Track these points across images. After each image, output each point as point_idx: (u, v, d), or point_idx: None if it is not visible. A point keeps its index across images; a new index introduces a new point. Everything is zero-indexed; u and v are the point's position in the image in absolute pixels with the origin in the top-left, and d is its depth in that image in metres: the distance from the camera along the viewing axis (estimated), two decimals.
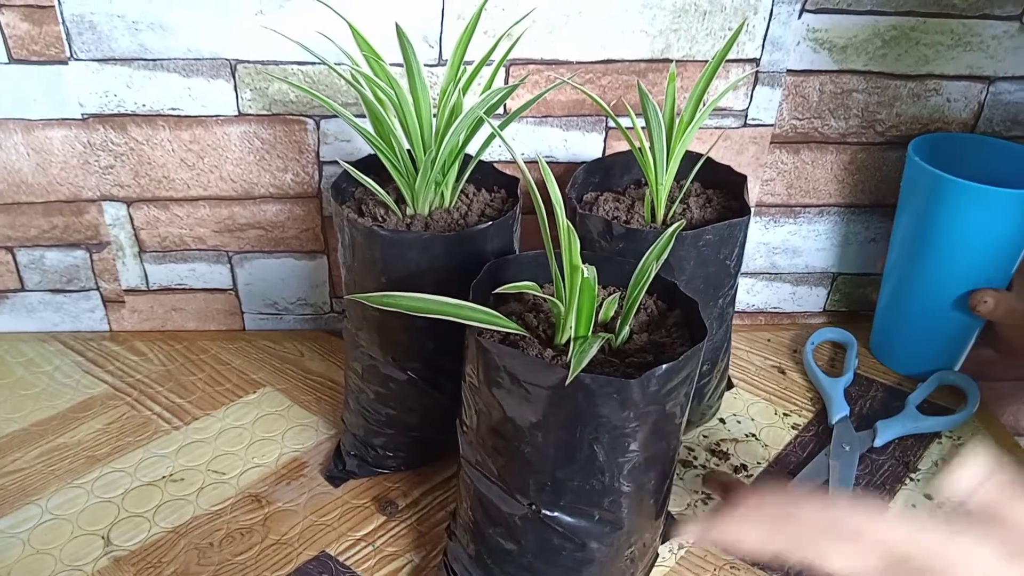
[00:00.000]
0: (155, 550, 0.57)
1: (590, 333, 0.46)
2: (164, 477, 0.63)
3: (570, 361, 0.43)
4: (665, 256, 0.47)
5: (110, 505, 0.60)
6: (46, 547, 0.57)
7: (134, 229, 0.74)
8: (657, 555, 0.57)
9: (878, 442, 0.69)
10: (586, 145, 0.74)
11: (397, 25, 0.50)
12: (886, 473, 0.66)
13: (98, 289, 0.77)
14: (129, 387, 0.72)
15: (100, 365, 0.75)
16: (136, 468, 0.64)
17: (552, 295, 0.46)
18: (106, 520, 0.59)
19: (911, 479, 0.66)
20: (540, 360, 0.45)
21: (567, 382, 0.41)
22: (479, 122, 0.55)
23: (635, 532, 0.49)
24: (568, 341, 0.46)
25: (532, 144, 0.73)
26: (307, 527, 0.59)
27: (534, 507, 0.47)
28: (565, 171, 0.73)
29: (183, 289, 0.78)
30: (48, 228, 0.74)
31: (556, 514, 0.46)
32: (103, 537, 0.58)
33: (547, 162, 0.74)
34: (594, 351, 0.43)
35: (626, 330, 0.48)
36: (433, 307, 0.45)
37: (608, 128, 0.73)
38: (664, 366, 0.42)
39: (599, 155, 0.74)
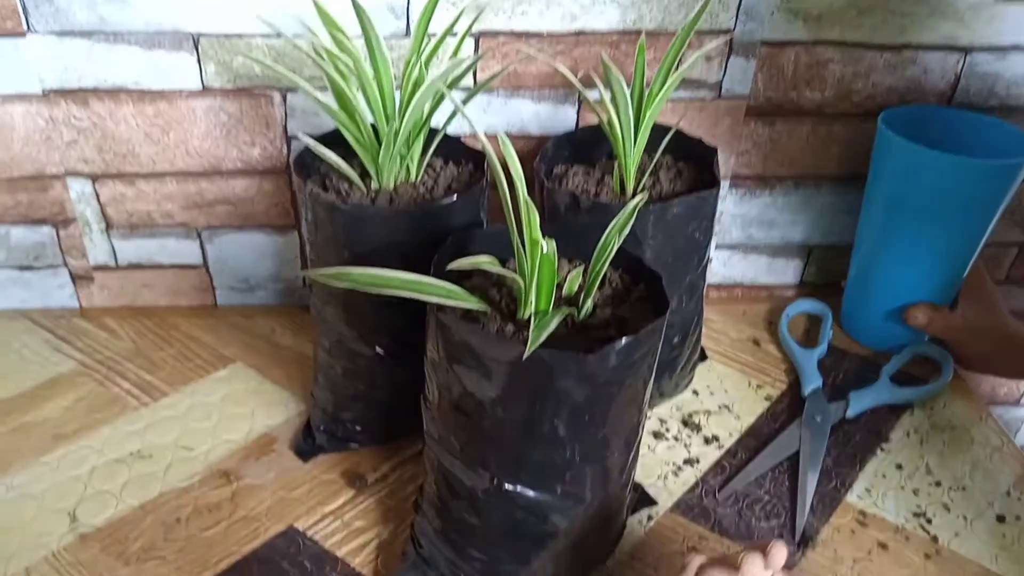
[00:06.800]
0: (122, 526, 0.57)
1: (552, 307, 0.46)
2: (132, 454, 0.63)
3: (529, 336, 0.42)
4: (628, 229, 0.47)
5: (77, 482, 0.60)
6: (11, 525, 0.56)
7: (100, 205, 0.73)
8: (624, 527, 0.57)
9: (850, 413, 0.69)
10: (559, 118, 0.73)
11: None
12: (857, 443, 0.67)
13: (66, 266, 0.76)
14: (98, 364, 0.72)
15: (69, 342, 0.74)
16: (104, 445, 0.63)
17: (516, 270, 0.46)
18: (72, 497, 0.59)
19: (882, 449, 0.66)
20: (498, 335, 0.44)
21: (524, 357, 0.40)
22: (443, 94, 0.54)
23: (599, 505, 0.49)
24: (531, 316, 0.46)
25: (504, 117, 0.72)
26: (275, 502, 0.59)
27: (496, 481, 0.46)
28: (538, 144, 0.72)
29: (153, 265, 0.77)
30: (12, 204, 0.72)
31: (518, 488, 0.46)
32: (69, 514, 0.57)
33: (520, 135, 0.74)
34: (553, 326, 0.42)
35: (589, 304, 0.48)
36: (391, 283, 0.45)
37: (580, 101, 0.73)
38: (623, 340, 0.42)
39: (572, 128, 0.74)
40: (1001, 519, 0.61)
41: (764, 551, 0.41)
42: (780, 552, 0.41)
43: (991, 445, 0.67)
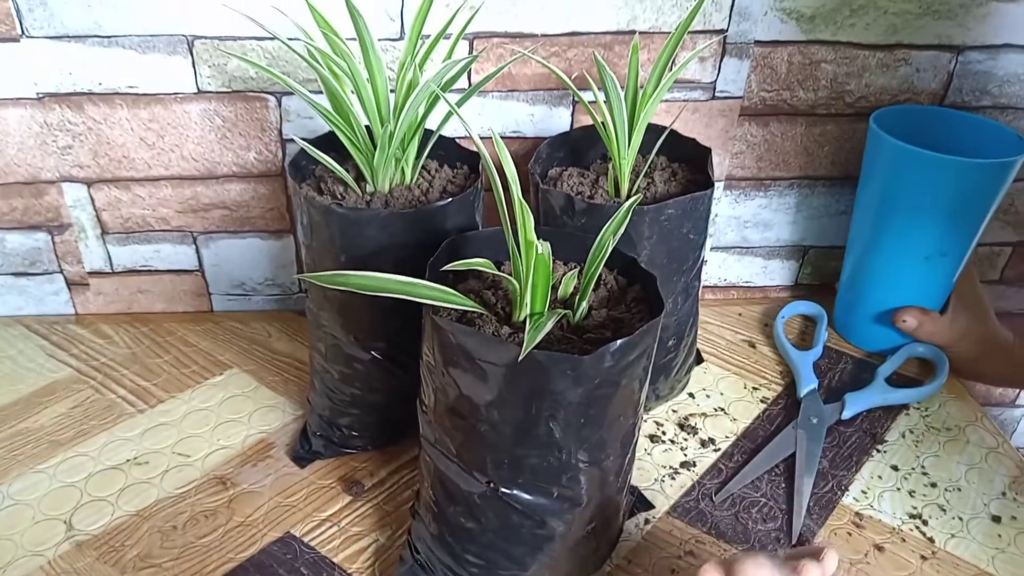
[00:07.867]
0: (118, 534, 0.57)
1: (547, 309, 0.46)
2: (128, 460, 0.62)
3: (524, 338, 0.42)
4: (622, 231, 0.47)
5: (73, 490, 0.60)
6: (6, 533, 0.56)
7: (96, 210, 0.73)
8: (621, 530, 0.57)
9: (846, 414, 0.69)
10: (553, 119, 0.73)
11: None
12: (853, 445, 0.67)
13: (61, 272, 0.76)
14: (94, 370, 0.71)
15: (64, 348, 0.74)
16: (100, 452, 0.63)
17: (511, 272, 0.46)
18: (68, 505, 0.59)
19: (878, 450, 0.66)
20: (494, 338, 0.44)
21: (519, 359, 0.40)
22: (438, 96, 0.54)
23: (595, 508, 0.49)
24: (526, 318, 0.45)
25: (498, 119, 0.73)
26: (272, 508, 0.59)
27: (492, 485, 0.46)
28: (533, 146, 0.72)
29: (148, 271, 0.77)
30: (7, 210, 0.72)
31: (514, 492, 0.46)
32: (65, 522, 0.57)
33: (515, 137, 0.74)
34: (548, 328, 0.42)
35: (584, 306, 0.48)
36: (387, 286, 0.45)
37: (575, 102, 0.73)
38: (618, 342, 0.42)
39: (567, 129, 0.74)
40: (997, 520, 0.61)
41: (818, 557, 0.40)
42: (833, 559, 0.40)
43: (986, 446, 0.67)
